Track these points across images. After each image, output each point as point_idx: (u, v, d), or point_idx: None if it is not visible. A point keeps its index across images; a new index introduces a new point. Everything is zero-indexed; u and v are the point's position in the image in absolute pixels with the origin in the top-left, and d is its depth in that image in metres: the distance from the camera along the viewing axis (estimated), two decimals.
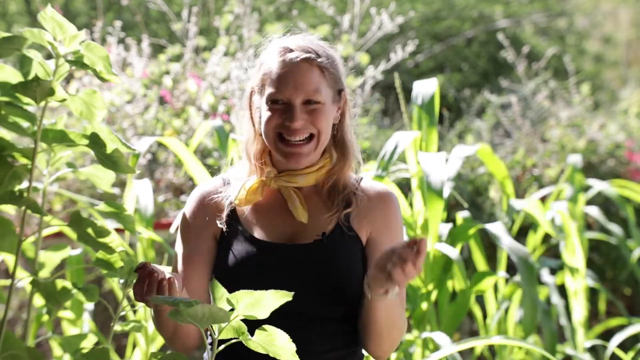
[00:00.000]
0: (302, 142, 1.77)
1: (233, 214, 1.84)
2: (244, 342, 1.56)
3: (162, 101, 4.46)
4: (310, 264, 1.76)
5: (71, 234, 3.09)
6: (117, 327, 1.85)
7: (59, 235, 3.45)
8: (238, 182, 1.85)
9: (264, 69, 1.80)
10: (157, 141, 3.73)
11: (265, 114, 1.78)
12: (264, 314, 1.52)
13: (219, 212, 1.84)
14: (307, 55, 1.77)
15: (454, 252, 2.80)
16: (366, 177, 1.90)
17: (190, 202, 1.87)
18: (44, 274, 2.34)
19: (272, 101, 1.77)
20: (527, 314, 2.91)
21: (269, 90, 1.78)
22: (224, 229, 1.82)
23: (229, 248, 1.81)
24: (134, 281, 1.64)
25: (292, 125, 1.75)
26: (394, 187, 3.09)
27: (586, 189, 4.50)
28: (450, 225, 3.06)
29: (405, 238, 2.96)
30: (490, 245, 4.55)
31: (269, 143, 1.80)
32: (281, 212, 1.83)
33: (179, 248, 1.85)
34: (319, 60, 1.77)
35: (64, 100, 1.67)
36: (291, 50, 1.78)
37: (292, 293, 1.51)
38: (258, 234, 1.81)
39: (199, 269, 1.81)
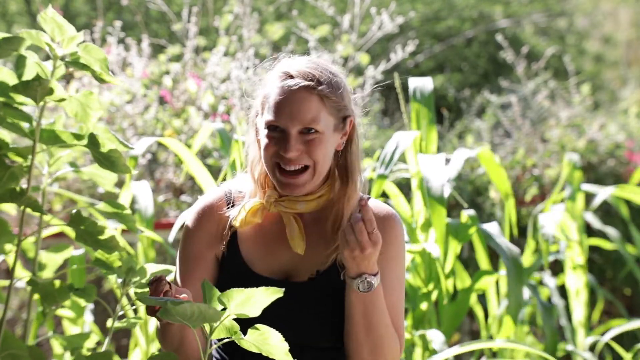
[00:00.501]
0: (297, 173, 1.72)
1: (234, 236, 1.81)
2: (237, 342, 1.56)
3: (162, 101, 4.46)
4: (304, 302, 1.75)
5: (71, 233, 3.10)
6: (114, 324, 1.84)
7: (60, 235, 3.46)
8: (240, 200, 1.82)
9: (264, 93, 1.76)
10: (157, 141, 3.73)
11: (263, 140, 1.74)
12: (255, 312, 1.52)
13: (220, 231, 1.81)
14: (307, 83, 1.71)
15: (436, 250, 2.79)
16: (371, 199, 1.82)
17: (191, 220, 1.84)
18: (46, 274, 2.34)
19: (269, 127, 1.73)
20: (511, 312, 2.91)
21: (266, 115, 1.74)
22: (224, 252, 1.81)
23: (227, 276, 1.80)
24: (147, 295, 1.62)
25: (287, 155, 1.70)
26: (394, 187, 3.10)
27: (589, 196, 4.49)
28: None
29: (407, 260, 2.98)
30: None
31: (268, 170, 1.75)
32: (281, 240, 1.79)
33: (178, 262, 1.83)
34: (319, 88, 1.71)
35: (62, 100, 1.67)
36: (291, 77, 1.72)
37: (283, 290, 1.50)
38: (255, 264, 1.79)
39: (195, 285, 1.77)
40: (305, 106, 1.70)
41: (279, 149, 1.71)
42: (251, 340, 1.55)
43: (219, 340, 1.58)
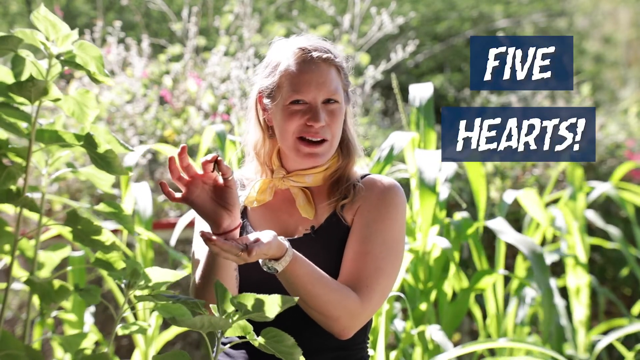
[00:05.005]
0: (319, 143, 1.79)
1: (244, 213, 1.87)
2: (251, 342, 1.56)
3: (162, 101, 4.47)
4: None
5: (69, 235, 3.10)
6: (120, 331, 1.84)
7: (60, 236, 3.45)
8: (250, 183, 1.88)
9: (281, 71, 1.81)
10: (157, 141, 3.73)
11: (285, 116, 1.79)
12: (268, 317, 1.52)
13: None
14: (327, 55, 1.80)
15: (447, 245, 2.79)
16: (374, 174, 1.89)
17: None
18: (44, 273, 2.33)
19: (292, 102, 1.79)
20: (545, 303, 2.87)
21: (288, 91, 1.79)
22: None
23: None
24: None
25: (316, 125, 1.77)
26: None
27: (589, 191, 4.49)
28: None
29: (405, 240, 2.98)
30: (489, 246, 4.55)
31: (288, 145, 1.81)
32: (290, 210, 1.85)
33: (196, 244, 1.85)
34: (336, 60, 1.81)
35: (58, 99, 1.67)
36: (309, 51, 1.80)
37: (297, 298, 1.51)
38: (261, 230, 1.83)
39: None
40: (328, 77, 1.79)
41: (306, 120, 1.78)
42: (264, 342, 1.55)
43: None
